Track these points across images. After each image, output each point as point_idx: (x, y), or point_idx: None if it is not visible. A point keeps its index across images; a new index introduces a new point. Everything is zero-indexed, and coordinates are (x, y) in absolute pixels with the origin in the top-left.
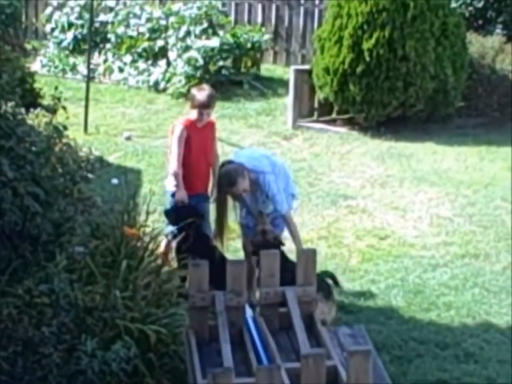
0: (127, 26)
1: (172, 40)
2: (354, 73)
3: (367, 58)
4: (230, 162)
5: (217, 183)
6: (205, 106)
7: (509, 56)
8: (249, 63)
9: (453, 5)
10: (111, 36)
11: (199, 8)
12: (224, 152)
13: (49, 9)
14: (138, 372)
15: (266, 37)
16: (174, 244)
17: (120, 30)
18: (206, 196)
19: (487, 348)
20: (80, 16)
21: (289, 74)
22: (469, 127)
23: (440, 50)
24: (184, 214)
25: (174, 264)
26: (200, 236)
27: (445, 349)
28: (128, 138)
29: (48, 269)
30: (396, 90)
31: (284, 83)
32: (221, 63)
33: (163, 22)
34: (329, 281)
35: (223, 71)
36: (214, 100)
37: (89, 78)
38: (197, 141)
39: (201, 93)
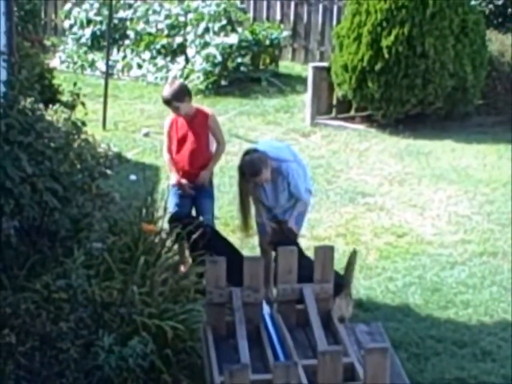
0: (146, 22)
1: (190, 37)
2: (373, 70)
3: (386, 56)
4: (254, 150)
5: (240, 170)
6: (167, 102)
7: None
8: (267, 60)
9: (473, 2)
10: (130, 32)
11: (217, 5)
12: (242, 149)
13: (68, 6)
14: (155, 367)
15: (285, 34)
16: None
17: (139, 26)
18: (204, 188)
19: (504, 346)
20: (99, 13)
21: (308, 71)
22: (487, 125)
23: (459, 48)
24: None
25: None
26: (215, 232)
27: (463, 347)
28: (147, 134)
29: (66, 264)
30: (414, 88)
31: (302, 80)
32: (239, 60)
33: (182, 19)
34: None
35: (242, 68)
36: (178, 93)
37: (107, 74)
38: (185, 133)
39: (165, 89)
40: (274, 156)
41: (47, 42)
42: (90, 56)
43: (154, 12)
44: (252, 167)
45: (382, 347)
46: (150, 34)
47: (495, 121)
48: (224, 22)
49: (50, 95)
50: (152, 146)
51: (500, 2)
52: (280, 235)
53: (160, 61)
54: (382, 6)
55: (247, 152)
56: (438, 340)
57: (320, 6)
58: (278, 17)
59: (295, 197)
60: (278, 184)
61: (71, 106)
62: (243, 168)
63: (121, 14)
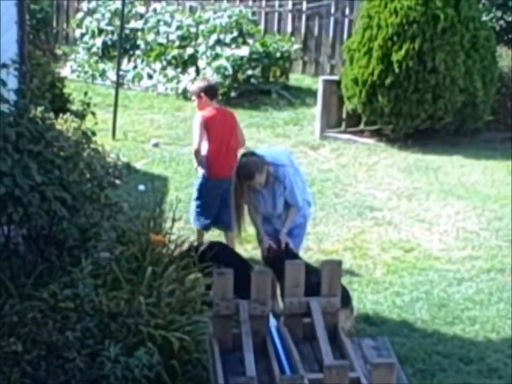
0: (157, 33)
1: (201, 48)
2: (383, 84)
3: (396, 70)
4: (252, 154)
5: (236, 172)
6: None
7: None
8: (278, 73)
9: (484, 18)
10: (140, 43)
11: (229, 17)
12: None
13: (80, 15)
14: (160, 378)
15: (296, 46)
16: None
17: (150, 37)
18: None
19: (511, 364)
20: (110, 23)
21: (318, 84)
22: (497, 141)
23: (470, 63)
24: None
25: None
26: (224, 244)
27: (469, 364)
28: (156, 145)
29: (73, 273)
30: (424, 103)
31: (312, 93)
32: (249, 72)
33: (193, 30)
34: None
35: (252, 80)
36: (195, 89)
37: (118, 84)
38: None
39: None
40: (272, 160)
41: (59, 51)
42: (101, 66)
43: (166, 23)
44: (246, 170)
45: (388, 362)
46: (161, 45)
47: (505, 137)
48: (235, 34)
49: (60, 104)
50: (161, 157)
51: (510, 19)
52: (277, 251)
53: (170, 72)
54: (393, 21)
55: (244, 155)
56: (444, 356)
57: (331, 20)
58: (289, 30)
59: (290, 203)
60: (275, 189)
61: (81, 116)
62: (238, 169)
63: (133, 24)
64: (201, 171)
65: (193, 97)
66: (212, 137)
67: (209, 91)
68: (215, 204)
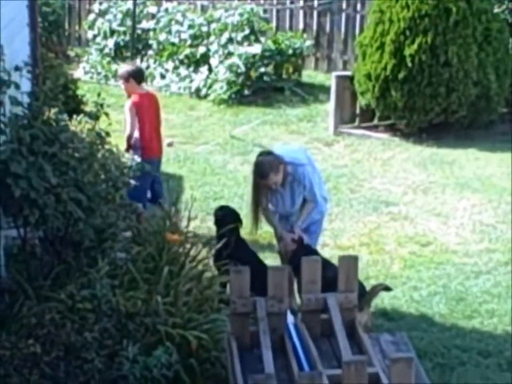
0: (169, 33)
1: (213, 47)
2: (396, 79)
3: (409, 64)
4: (269, 153)
5: (253, 170)
6: None
7: None
8: (290, 70)
9: (496, 10)
10: (153, 43)
11: (240, 15)
12: None
13: (91, 16)
14: (179, 377)
15: (308, 43)
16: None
17: (162, 36)
18: None
19: None
20: (122, 23)
21: (331, 80)
22: None
23: (483, 56)
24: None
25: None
26: (240, 242)
27: (488, 357)
28: (170, 144)
29: (90, 274)
30: (438, 96)
31: (325, 89)
32: (262, 69)
33: (205, 29)
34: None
35: (265, 78)
36: (123, 73)
37: None
38: None
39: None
40: (290, 160)
41: (71, 53)
42: (113, 67)
43: (177, 22)
44: (261, 169)
45: (406, 357)
46: (173, 44)
47: None
48: (247, 31)
49: (74, 106)
50: (176, 156)
51: None
52: (296, 246)
53: (183, 71)
54: (405, 15)
55: (261, 154)
56: (463, 350)
57: (343, 15)
58: (301, 26)
59: (308, 199)
60: (294, 188)
61: (95, 117)
62: (254, 168)
63: (144, 24)
64: (133, 155)
65: (121, 81)
66: (143, 120)
67: (137, 75)
68: (148, 184)
